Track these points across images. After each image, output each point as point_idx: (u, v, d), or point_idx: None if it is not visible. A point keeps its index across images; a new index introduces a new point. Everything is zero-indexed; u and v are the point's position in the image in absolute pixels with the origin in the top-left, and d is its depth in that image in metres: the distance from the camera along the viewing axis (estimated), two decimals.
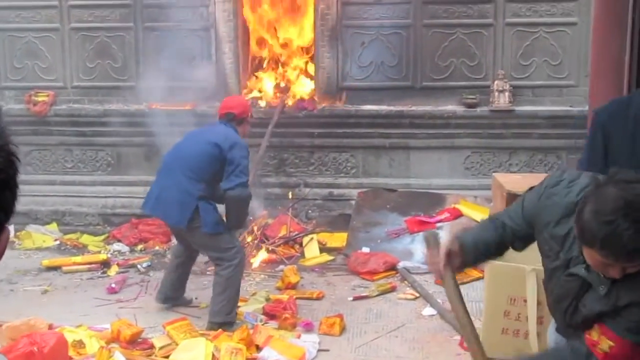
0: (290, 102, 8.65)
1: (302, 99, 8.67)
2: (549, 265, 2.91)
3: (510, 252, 5.02)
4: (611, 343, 2.66)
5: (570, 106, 8.31)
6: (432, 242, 3.12)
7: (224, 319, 5.78)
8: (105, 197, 8.96)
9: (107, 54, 8.96)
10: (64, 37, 8.99)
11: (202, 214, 5.73)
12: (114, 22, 8.91)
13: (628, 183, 2.44)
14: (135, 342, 5.54)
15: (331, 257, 7.84)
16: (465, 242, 3.09)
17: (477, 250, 3.11)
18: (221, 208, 6.05)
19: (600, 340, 2.70)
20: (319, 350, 5.52)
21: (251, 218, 7.96)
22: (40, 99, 8.88)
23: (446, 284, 3.09)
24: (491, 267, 4.93)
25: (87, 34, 8.96)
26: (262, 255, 7.74)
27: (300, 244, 8.00)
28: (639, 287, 2.57)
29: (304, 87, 8.93)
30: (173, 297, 6.40)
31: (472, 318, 3.08)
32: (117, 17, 8.89)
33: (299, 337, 5.65)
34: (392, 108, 8.51)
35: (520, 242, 3.07)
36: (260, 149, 8.13)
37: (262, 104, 8.66)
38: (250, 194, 6.02)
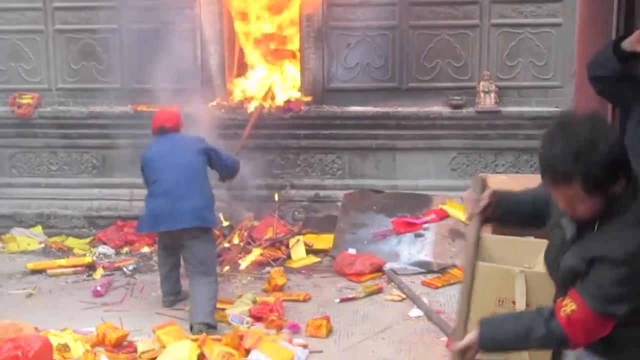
0: (268, 105, 8.62)
1: (288, 101, 8.65)
2: (550, 223, 2.98)
3: (498, 253, 5.03)
4: (574, 306, 2.63)
5: (556, 107, 8.32)
6: (477, 185, 3.24)
7: (212, 320, 5.84)
8: (91, 199, 8.91)
9: (92, 56, 8.91)
10: (48, 39, 8.94)
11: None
12: (98, 23, 8.86)
13: (588, 118, 2.63)
14: (120, 345, 5.51)
15: (318, 259, 7.83)
16: (502, 194, 3.21)
17: (509, 205, 3.21)
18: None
19: (566, 302, 2.68)
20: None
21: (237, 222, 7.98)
22: (24, 101, 8.82)
23: (471, 227, 3.19)
24: (479, 268, 4.92)
25: (71, 36, 8.91)
26: (252, 256, 7.72)
27: (287, 246, 7.98)
28: (606, 241, 2.60)
29: (288, 89, 8.90)
30: (177, 292, 6.56)
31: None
32: (101, 18, 8.84)
33: (290, 341, 5.61)
34: (378, 109, 8.51)
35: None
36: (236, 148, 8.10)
37: (250, 107, 8.62)
38: (237, 161, 6.84)
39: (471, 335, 2.86)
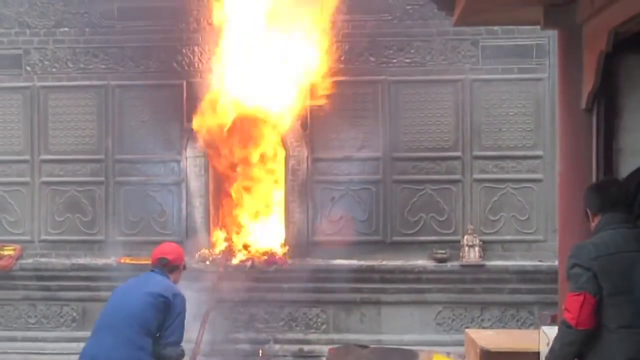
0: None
1: (272, 254, 8.63)
2: None
3: None
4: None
5: (540, 261, 8.35)
6: None
7: None
8: (69, 354, 8.66)
9: (76, 208, 8.94)
10: (34, 191, 9.00)
11: None
12: (84, 176, 8.95)
13: None
14: None
15: None
16: None
17: None
18: None
19: None
20: None
21: None
22: (6, 252, 8.77)
23: None
24: None
25: (57, 188, 8.98)
26: None
27: None
28: None
29: (273, 243, 8.92)
30: None
31: None
32: (88, 171, 8.95)
33: None
34: (362, 263, 8.49)
35: None
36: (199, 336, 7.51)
37: (235, 260, 8.60)
38: (183, 353, 5.48)
39: None
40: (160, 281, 5.60)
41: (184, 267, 5.98)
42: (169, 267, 5.74)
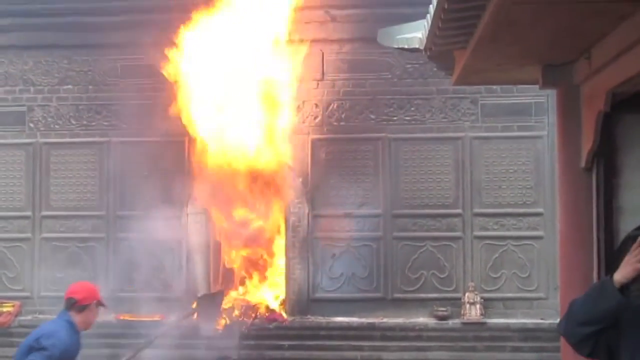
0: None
1: (272, 311, 8.59)
2: None
3: None
4: None
5: (541, 319, 8.30)
6: None
7: None
8: None
9: (77, 264, 8.92)
10: (34, 247, 8.99)
11: None
12: (85, 232, 8.96)
13: None
14: None
15: None
16: None
17: None
18: None
19: None
20: None
21: None
22: (5, 309, 8.72)
23: None
24: None
25: (58, 244, 8.97)
26: None
27: None
28: None
29: (273, 299, 8.88)
30: None
31: None
32: (89, 227, 8.95)
33: None
34: (363, 320, 8.45)
35: None
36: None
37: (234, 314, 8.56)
38: None
39: None
40: (38, 330, 5.37)
41: (99, 305, 5.57)
42: (77, 307, 5.40)
